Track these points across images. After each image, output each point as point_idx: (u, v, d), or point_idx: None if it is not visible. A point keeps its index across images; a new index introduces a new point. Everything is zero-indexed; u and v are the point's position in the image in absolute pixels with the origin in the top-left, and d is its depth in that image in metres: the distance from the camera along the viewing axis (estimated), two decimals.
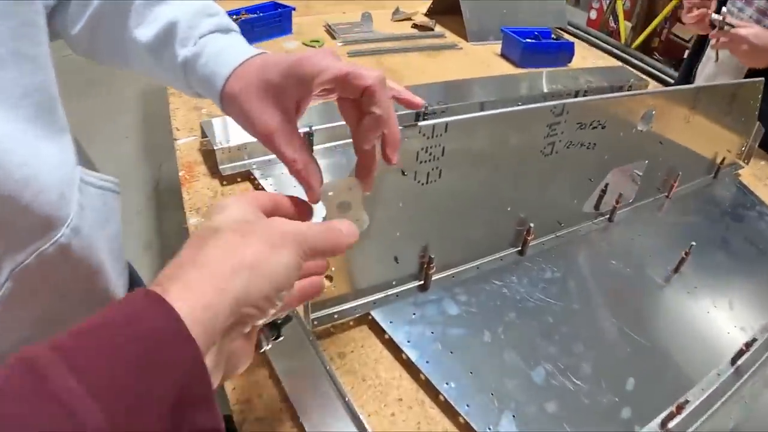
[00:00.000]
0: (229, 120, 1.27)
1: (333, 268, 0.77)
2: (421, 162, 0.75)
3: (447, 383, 0.74)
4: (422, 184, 0.77)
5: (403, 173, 0.73)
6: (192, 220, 1.08)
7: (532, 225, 0.94)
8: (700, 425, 0.75)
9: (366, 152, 0.55)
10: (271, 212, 0.48)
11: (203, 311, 0.35)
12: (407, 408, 0.74)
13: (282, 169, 1.19)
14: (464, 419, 0.70)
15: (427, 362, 0.76)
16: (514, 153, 0.85)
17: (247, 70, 0.56)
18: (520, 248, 0.99)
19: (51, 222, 0.55)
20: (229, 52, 0.59)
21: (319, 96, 0.53)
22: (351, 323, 0.84)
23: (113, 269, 0.69)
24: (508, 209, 0.92)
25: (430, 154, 0.74)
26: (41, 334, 0.34)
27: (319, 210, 0.55)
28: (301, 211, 0.53)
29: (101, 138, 3.67)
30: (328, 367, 0.75)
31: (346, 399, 0.72)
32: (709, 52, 1.57)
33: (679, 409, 0.72)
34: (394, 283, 0.86)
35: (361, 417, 0.70)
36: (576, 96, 1.60)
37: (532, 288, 0.91)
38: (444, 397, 0.72)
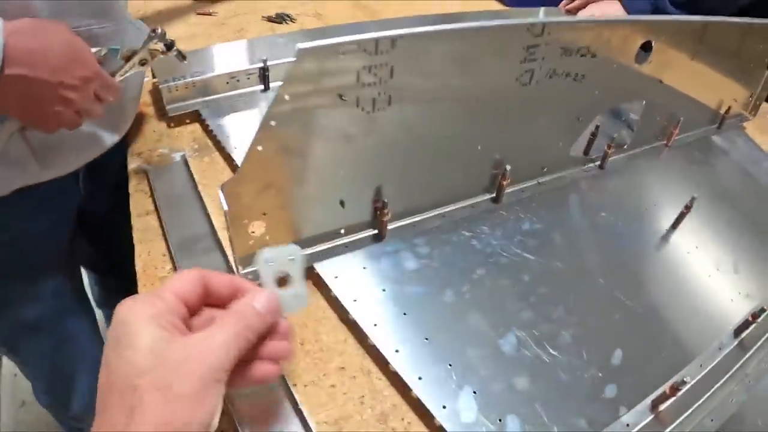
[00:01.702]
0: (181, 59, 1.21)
1: (265, 213, 0.65)
2: (363, 85, 0.61)
3: (397, 350, 0.62)
4: (367, 112, 0.64)
5: (341, 98, 0.60)
6: (132, 165, 0.97)
7: (508, 168, 0.82)
8: (698, 408, 0.64)
9: None
10: (194, 304, 0.47)
11: None
12: (350, 378, 0.62)
13: (232, 106, 1.09)
14: (415, 394, 0.59)
15: (375, 325, 0.65)
16: (484, 80, 0.72)
17: None
18: (494, 195, 0.86)
19: None
20: None
21: None
22: None
23: None
24: (479, 148, 0.79)
25: (375, 75, 0.61)
26: None
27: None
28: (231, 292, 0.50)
29: None
30: None
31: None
32: None
33: (673, 390, 0.61)
34: (342, 231, 0.75)
35: (292, 390, 0.59)
36: None
37: (506, 241, 0.79)
38: (392, 367, 0.61)
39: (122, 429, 0.37)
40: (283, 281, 0.52)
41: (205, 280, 0.48)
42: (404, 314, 0.66)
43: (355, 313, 0.66)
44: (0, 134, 0.72)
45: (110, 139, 0.92)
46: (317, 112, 0.60)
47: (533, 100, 0.78)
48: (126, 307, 0.42)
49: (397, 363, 0.61)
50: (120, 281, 1.28)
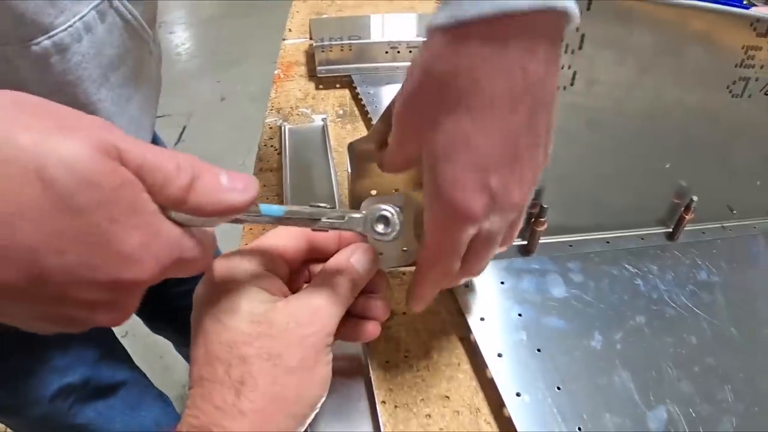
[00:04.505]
0: (342, 20, 1.15)
1: (398, 189, 0.54)
2: None
3: (519, 393, 0.49)
4: None
5: None
6: (269, 119, 0.90)
7: (695, 199, 0.66)
8: None
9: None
10: (296, 261, 0.44)
11: None
12: (453, 413, 0.50)
13: (389, 78, 1.00)
14: None
15: (499, 355, 0.52)
16: (687, 78, 0.57)
17: None
18: (671, 230, 0.70)
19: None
20: None
21: None
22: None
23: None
24: (667, 166, 0.64)
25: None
26: None
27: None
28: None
29: (252, 60, 3.70)
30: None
31: (369, 375, 0.51)
32: None
33: None
34: None
35: (378, 407, 0.48)
36: None
37: (677, 288, 0.63)
38: (508, 412, 0.48)
39: (231, 406, 0.34)
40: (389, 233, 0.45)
41: (309, 235, 0.44)
42: (538, 350, 0.53)
43: (479, 335, 0.53)
44: None
45: None
46: None
47: (741, 118, 0.62)
48: (223, 266, 0.38)
49: (515, 409, 0.48)
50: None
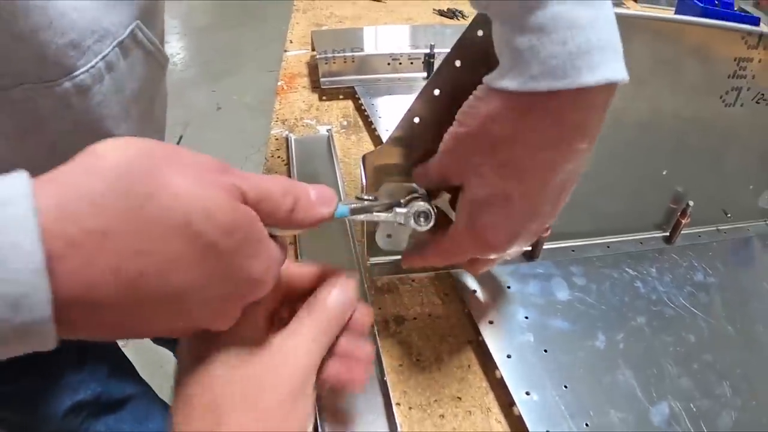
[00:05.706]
0: (343, 32, 1.18)
1: None
2: None
3: (528, 392, 0.51)
4: None
5: None
6: (274, 131, 0.92)
7: (691, 204, 0.69)
8: None
9: None
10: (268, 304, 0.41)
11: None
12: (465, 412, 0.52)
13: (390, 89, 1.03)
14: None
15: (508, 357, 0.54)
16: (683, 89, 0.60)
17: None
18: (668, 233, 0.73)
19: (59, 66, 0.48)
20: None
21: None
22: (425, 281, 0.64)
23: None
24: (664, 173, 0.67)
25: None
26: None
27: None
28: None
29: (247, 69, 3.71)
30: (375, 332, 0.57)
31: (384, 378, 0.53)
32: None
33: None
34: None
35: (394, 409, 0.50)
36: None
37: (675, 289, 0.66)
38: (518, 410, 0.50)
39: None
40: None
41: (285, 275, 0.41)
42: (545, 351, 0.55)
43: (488, 337, 0.56)
44: None
45: None
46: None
47: (734, 126, 0.65)
48: None
49: (524, 408, 0.50)
50: None
